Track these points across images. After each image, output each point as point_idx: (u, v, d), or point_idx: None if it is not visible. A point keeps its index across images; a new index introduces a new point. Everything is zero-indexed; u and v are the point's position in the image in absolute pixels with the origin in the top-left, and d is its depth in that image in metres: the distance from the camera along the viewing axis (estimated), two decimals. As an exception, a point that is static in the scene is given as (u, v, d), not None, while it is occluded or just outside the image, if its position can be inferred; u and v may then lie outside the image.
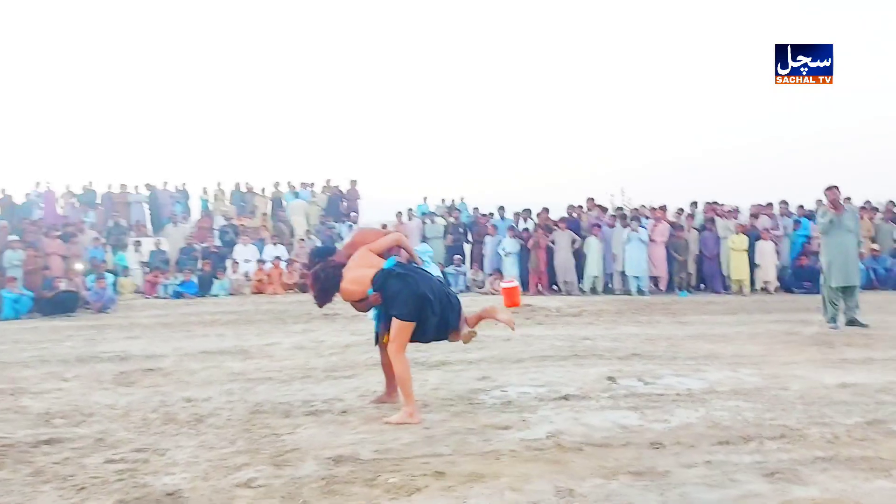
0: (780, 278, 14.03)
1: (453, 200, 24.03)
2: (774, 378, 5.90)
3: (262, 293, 15.92)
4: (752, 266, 13.76)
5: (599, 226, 14.14)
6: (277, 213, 20.81)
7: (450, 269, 15.60)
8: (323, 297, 5.33)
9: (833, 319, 8.66)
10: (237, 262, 16.93)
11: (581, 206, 15.52)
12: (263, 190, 22.11)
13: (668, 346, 7.59)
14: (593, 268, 13.92)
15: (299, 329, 9.75)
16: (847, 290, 8.63)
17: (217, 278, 16.22)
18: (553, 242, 14.19)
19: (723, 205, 14.88)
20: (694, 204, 15.07)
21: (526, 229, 14.89)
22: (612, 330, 8.86)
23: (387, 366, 5.24)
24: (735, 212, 14.63)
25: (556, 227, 14.30)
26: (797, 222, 14.58)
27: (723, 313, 10.51)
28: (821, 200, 14.24)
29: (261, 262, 16.93)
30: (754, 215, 14.44)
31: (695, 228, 14.28)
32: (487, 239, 15.40)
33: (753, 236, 13.75)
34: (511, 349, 7.54)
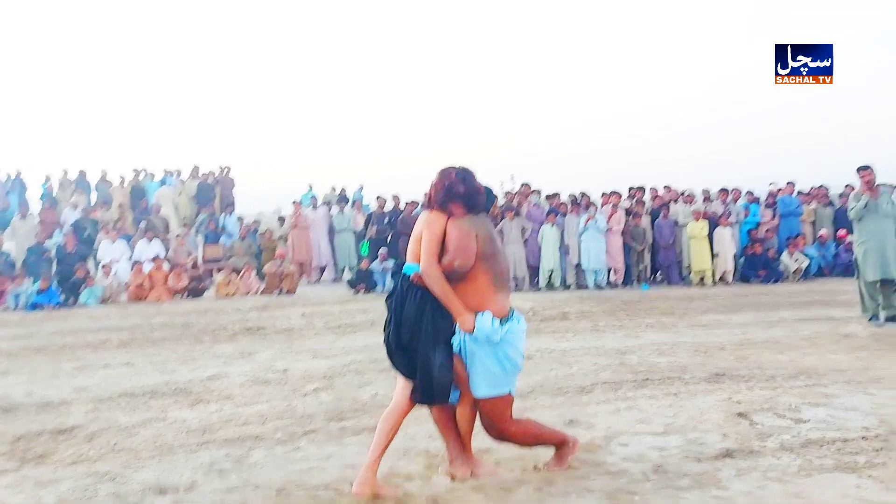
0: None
1: (343, 189, 22.04)
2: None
3: (142, 300, 13.20)
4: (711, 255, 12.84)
5: (555, 213, 12.69)
6: (140, 203, 17.92)
7: (377, 266, 13.66)
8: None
9: (875, 316, 7.65)
10: (109, 265, 13.98)
11: (519, 193, 14.00)
12: (123, 179, 19.12)
13: (736, 359, 6.19)
14: (550, 260, 12.46)
15: (231, 351, 7.54)
16: (887, 284, 7.64)
17: (86, 284, 13.23)
18: (501, 233, 12.58)
19: (674, 189, 13.91)
20: (641, 189, 13.98)
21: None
22: (636, 339, 7.38)
23: (443, 420, 3.56)
24: (692, 196, 13.68)
25: (504, 216, 12.69)
26: (746, 209, 13.88)
27: (728, 311, 9.35)
28: (852, 186, 13.99)
29: (137, 263, 14.12)
30: (707, 200, 13.54)
31: (647, 215, 13.17)
32: (421, 230, 13.54)
33: (712, 223, 12.83)
34: (552, 373, 5.87)
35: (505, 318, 3.38)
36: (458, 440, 3.56)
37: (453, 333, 3.35)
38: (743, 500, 3.13)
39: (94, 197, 19.03)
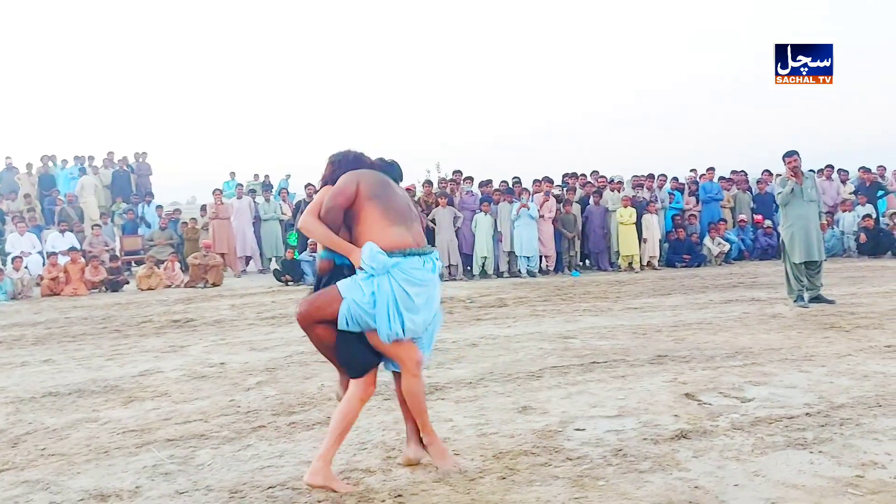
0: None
1: (267, 176, 21.49)
2: (868, 376, 4.83)
3: (56, 295, 12.50)
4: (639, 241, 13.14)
5: (489, 201, 12.68)
6: (49, 192, 17.00)
7: (305, 256, 13.35)
8: None
9: (800, 297, 7.97)
10: (20, 258, 13.16)
11: (452, 181, 13.96)
12: (30, 166, 18.08)
13: (674, 341, 6.33)
14: (483, 248, 12.46)
15: (161, 345, 7.20)
16: (811, 266, 7.97)
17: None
18: (433, 221, 12.51)
19: (604, 176, 14.15)
20: (574, 175, 14.15)
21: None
22: (575, 323, 7.46)
23: (399, 397, 3.49)
24: (620, 184, 13.94)
25: (436, 204, 12.61)
26: (671, 195, 14.26)
27: (659, 294, 9.58)
28: (770, 172, 14.45)
29: (50, 255, 13.34)
30: (636, 186, 13.84)
31: (577, 202, 13.34)
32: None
33: (640, 209, 13.11)
34: (500, 359, 5.85)
35: (403, 252, 3.18)
36: (411, 419, 3.46)
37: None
38: (706, 481, 3.16)
39: (-3, 186, 17.96)
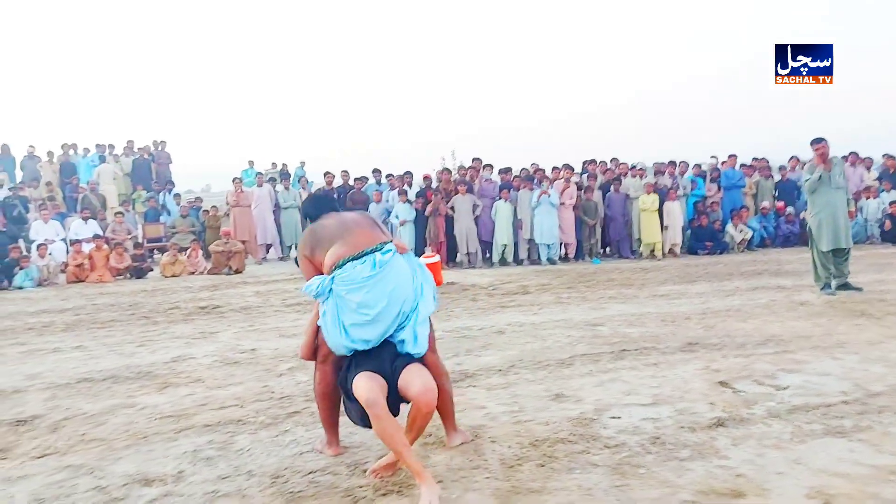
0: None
1: (285, 164, 21.51)
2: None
3: (82, 282, 12.65)
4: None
5: (508, 189, 12.66)
6: (70, 180, 17.13)
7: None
8: None
9: (827, 285, 7.90)
10: (45, 245, 13.31)
11: (471, 168, 13.91)
12: (51, 155, 18.21)
13: (704, 328, 6.30)
14: (503, 235, 12.45)
15: (190, 332, 7.27)
16: (839, 254, 7.90)
17: (20, 266, 12.55)
18: (453, 209, 12.51)
19: (625, 163, 14.05)
20: (594, 161, 14.07)
21: (419, 195, 13.03)
22: (602, 311, 7.44)
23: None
24: (643, 170, 13.85)
25: (456, 192, 12.59)
26: (693, 182, 14.15)
27: (684, 282, 9.53)
28: (798, 158, 14.31)
29: (75, 242, 13.47)
30: (658, 173, 13.75)
31: (598, 189, 13.28)
32: (373, 207, 13.35)
33: (662, 196, 13.03)
34: (528, 346, 5.85)
35: (337, 265, 3.22)
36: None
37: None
38: (747, 469, 3.16)
39: (19, 175, 18.11)
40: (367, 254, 3.24)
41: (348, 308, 3.19)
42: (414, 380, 3.11)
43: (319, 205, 3.66)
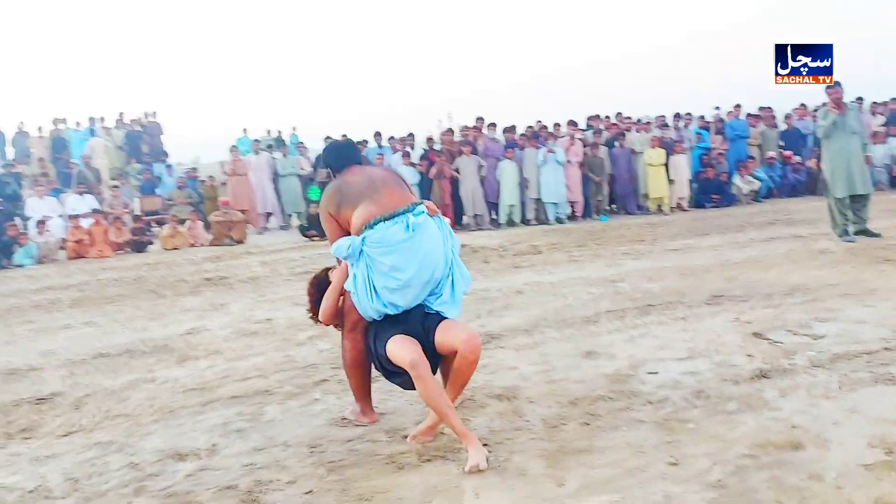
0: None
1: (280, 132, 21.17)
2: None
3: (82, 257, 12.46)
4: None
5: (513, 148, 12.44)
6: (62, 155, 16.84)
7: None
8: None
9: (845, 231, 7.77)
10: (43, 221, 13.10)
11: (474, 128, 13.64)
12: (41, 130, 17.88)
13: (726, 280, 6.19)
14: (509, 196, 12.26)
15: (200, 304, 7.14)
16: (856, 200, 7.76)
17: (18, 244, 12.34)
18: (458, 171, 12.31)
19: (629, 117, 13.81)
20: (595, 117, 13.83)
21: (423, 157, 12.81)
22: (618, 267, 7.32)
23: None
24: (648, 124, 13.61)
25: (461, 152, 12.37)
26: (698, 134, 13.94)
27: (695, 235, 9.41)
28: (805, 106, 14.11)
29: (72, 217, 13.24)
30: (661, 126, 13.51)
31: (603, 145, 13.06)
32: (375, 170, 13.09)
33: (667, 150, 12.82)
34: (550, 305, 5.74)
35: (368, 225, 3.09)
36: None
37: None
38: (801, 420, 3.06)
39: (10, 151, 17.82)
40: (398, 214, 3.09)
41: (379, 270, 3.05)
42: (455, 330, 3.03)
43: (343, 155, 3.46)
